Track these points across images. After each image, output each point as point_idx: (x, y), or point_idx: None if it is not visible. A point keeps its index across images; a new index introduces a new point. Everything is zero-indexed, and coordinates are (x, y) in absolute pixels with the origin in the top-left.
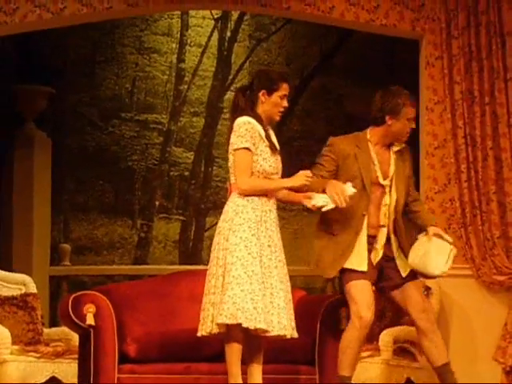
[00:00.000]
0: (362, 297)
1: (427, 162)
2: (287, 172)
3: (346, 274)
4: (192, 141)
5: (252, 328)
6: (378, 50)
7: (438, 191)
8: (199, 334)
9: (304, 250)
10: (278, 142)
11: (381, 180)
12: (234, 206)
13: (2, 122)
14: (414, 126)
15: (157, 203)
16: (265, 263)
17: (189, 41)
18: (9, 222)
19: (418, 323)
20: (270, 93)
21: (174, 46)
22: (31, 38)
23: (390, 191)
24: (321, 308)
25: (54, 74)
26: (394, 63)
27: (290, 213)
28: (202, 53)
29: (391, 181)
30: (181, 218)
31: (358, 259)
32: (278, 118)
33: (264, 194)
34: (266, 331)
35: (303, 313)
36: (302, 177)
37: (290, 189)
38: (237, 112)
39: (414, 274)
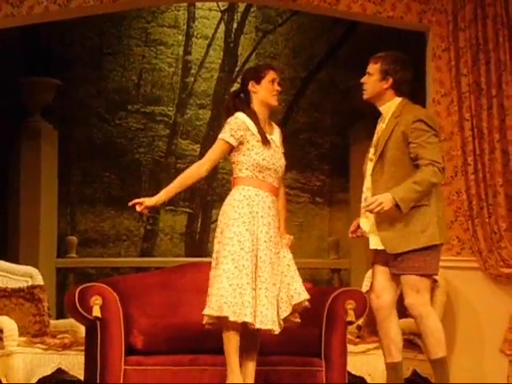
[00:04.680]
0: None
1: None
2: (291, 164)
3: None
4: (198, 133)
5: (239, 322)
6: (384, 42)
7: (445, 184)
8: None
9: (309, 242)
10: (284, 134)
11: None
12: (232, 200)
13: (8, 115)
14: None
15: None
16: (261, 258)
17: (195, 33)
18: (16, 214)
19: None
20: (258, 81)
21: (180, 38)
22: (38, 30)
23: None
24: (327, 300)
25: (60, 66)
26: None
27: (296, 205)
28: (209, 45)
29: None
30: (187, 210)
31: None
32: (275, 103)
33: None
34: (252, 324)
35: (310, 305)
36: None
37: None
38: (230, 113)
39: None
